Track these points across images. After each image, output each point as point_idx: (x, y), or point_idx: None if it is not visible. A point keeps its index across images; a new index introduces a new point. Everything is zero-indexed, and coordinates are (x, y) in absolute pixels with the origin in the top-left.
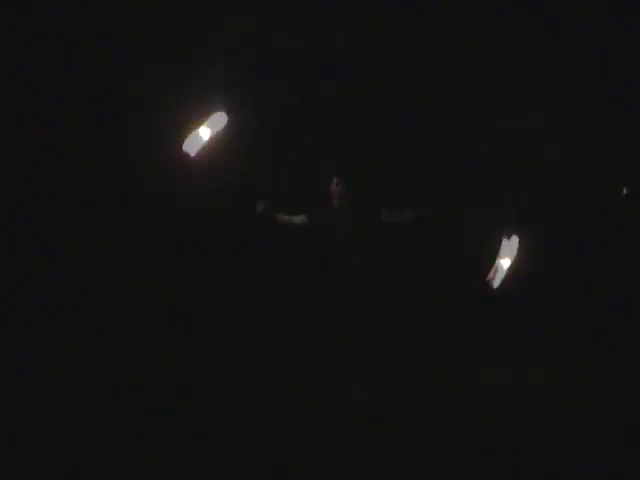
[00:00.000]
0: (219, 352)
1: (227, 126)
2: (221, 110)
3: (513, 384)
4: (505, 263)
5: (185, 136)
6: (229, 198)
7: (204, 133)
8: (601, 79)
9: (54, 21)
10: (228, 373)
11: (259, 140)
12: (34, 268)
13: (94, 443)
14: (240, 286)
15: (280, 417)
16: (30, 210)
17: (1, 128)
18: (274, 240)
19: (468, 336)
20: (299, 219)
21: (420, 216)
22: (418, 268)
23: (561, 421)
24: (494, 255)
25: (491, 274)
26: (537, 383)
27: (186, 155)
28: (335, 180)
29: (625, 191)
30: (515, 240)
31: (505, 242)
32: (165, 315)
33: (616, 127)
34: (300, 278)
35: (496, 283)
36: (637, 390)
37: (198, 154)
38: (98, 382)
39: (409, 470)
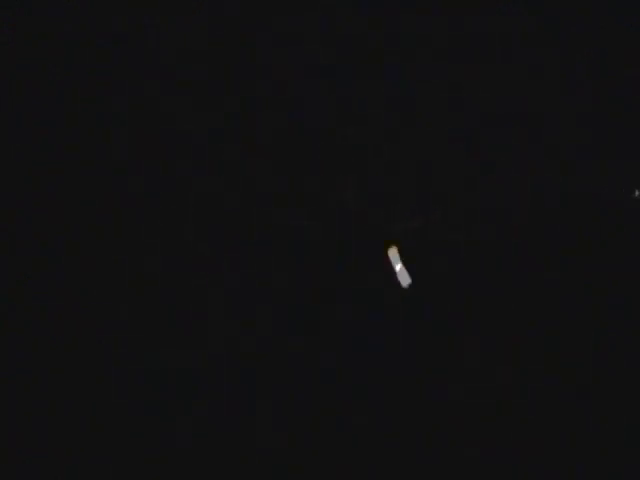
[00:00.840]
0: (219, 352)
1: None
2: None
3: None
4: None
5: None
6: (231, 198)
7: None
8: (601, 79)
9: (54, 21)
10: (228, 373)
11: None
12: (34, 268)
13: (94, 443)
14: (240, 287)
15: (279, 417)
16: (30, 210)
17: (1, 128)
18: (277, 241)
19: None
20: (312, 224)
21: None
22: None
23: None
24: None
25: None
26: (536, 382)
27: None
28: (347, 182)
29: (624, 191)
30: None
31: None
32: (165, 315)
33: (616, 127)
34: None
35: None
36: (637, 390)
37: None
38: (98, 382)
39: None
